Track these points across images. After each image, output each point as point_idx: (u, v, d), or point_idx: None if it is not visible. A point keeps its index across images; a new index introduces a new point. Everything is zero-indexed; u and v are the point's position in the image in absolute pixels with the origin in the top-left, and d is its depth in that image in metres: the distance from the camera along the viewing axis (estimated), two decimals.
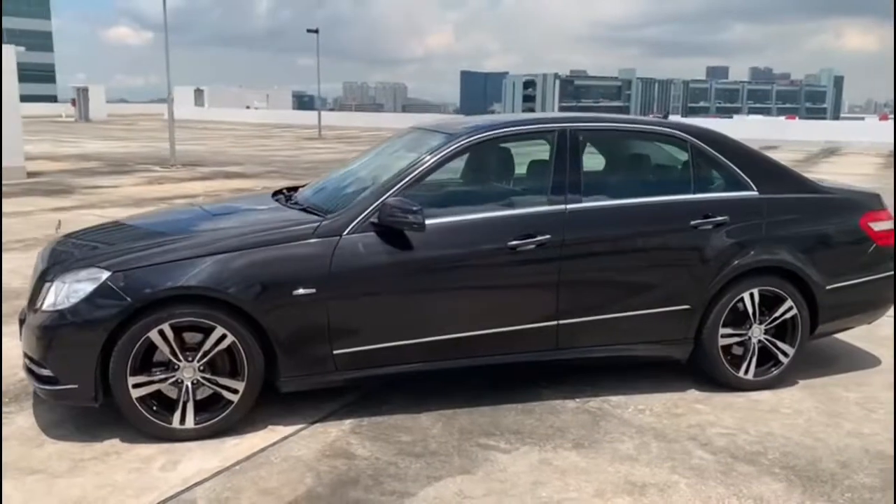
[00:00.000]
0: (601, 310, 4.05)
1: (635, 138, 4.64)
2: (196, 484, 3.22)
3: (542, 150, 4.26)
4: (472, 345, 3.92)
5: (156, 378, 3.54)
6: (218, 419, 3.63)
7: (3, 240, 8.22)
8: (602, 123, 4.53)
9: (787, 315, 4.30)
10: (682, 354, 4.27)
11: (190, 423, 3.59)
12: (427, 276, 3.83)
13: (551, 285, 3.94)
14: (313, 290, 3.62)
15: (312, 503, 3.10)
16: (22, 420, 3.82)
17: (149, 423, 3.55)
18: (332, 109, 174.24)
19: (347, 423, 3.83)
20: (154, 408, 3.57)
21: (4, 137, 14.28)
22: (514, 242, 3.86)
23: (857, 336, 5.17)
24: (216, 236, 3.79)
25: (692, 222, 4.13)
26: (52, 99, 74.30)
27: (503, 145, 4.39)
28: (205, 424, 3.61)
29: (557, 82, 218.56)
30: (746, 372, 4.30)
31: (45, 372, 3.51)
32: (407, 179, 3.88)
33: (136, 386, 3.50)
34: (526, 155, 4.47)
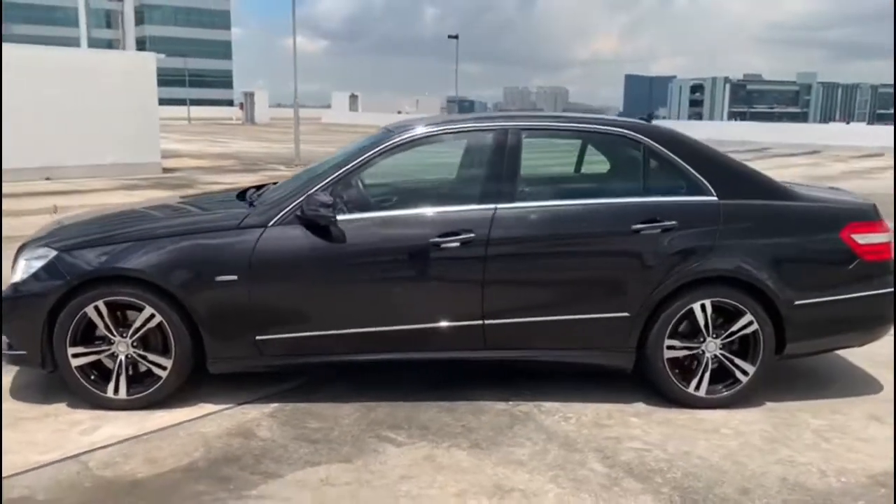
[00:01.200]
0: (530, 312, 3.96)
1: (583, 139, 4.47)
2: (98, 448, 3.51)
3: (485, 149, 4.22)
4: (398, 339, 3.97)
5: (93, 350, 3.89)
6: (148, 392, 3.92)
7: None
8: (546, 123, 4.41)
9: (747, 330, 3.99)
10: (625, 363, 4.08)
11: (123, 394, 3.91)
12: (349, 270, 3.92)
13: (476, 284, 3.91)
14: (234, 278, 3.83)
15: (187, 475, 3.30)
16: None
17: (86, 390, 3.91)
18: None
19: (271, 407, 4.01)
20: (92, 377, 3.92)
21: (143, 137, 15.81)
22: (437, 239, 3.87)
23: (874, 360, 4.69)
24: (154, 225, 4.10)
25: (634, 226, 3.94)
26: (229, 103, 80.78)
27: (442, 144, 4.38)
28: (136, 396, 3.92)
29: (727, 87, 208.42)
30: (697, 388, 4.03)
31: (6, 339, 3.96)
32: (335, 175, 4.00)
33: (75, 356, 3.86)
34: (477, 153, 4.44)
